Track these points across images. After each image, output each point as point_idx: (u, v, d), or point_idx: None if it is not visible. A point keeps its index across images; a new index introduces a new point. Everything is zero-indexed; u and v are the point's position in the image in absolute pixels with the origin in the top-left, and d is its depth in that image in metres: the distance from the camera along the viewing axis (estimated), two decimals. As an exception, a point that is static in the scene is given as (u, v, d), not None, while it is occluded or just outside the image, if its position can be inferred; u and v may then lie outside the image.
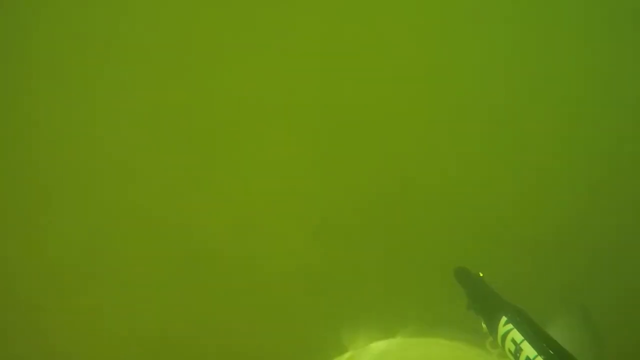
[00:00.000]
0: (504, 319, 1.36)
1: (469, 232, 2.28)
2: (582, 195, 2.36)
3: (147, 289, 2.22)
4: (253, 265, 2.23)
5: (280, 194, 2.26)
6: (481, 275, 1.54)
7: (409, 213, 2.31)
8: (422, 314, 1.83)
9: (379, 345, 1.73)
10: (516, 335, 1.31)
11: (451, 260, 1.71)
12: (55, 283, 2.18)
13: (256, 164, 2.26)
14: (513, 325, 1.33)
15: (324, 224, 2.28)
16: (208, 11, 2.16)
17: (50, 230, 2.19)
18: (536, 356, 1.23)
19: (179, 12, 2.15)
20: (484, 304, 1.47)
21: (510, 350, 1.31)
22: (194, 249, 2.21)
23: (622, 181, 2.35)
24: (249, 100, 2.22)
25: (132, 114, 2.17)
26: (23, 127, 2.15)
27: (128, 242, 2.20)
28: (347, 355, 1.73)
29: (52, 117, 2.16)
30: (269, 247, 2.23)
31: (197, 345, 2.22)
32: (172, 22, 2.16)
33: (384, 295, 2.07)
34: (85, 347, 2.19)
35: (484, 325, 1.46)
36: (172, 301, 2.22)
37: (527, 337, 1.28)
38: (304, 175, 2.27)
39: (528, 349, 1.26)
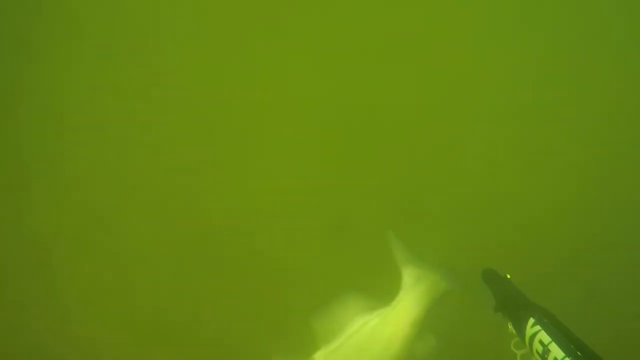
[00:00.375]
0: (531, 320, 1.37)
1: (489, 235, 2.28)
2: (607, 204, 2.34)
3: (152, 265, 2.26)
4: (256, 252, 2.25)
5: (292, 188, 2.29)
6: (508, 277, 1.55)
7: (426, 216, 2.32)
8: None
9: None
10: (544, 336, 1.32)
11: (469, 264, 1.72)
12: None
13: (271, 156, 2.30)
14: (541, 327, 1.34)
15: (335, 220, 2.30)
16: (233, 7, 2.22)
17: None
18: (564, 357, 1.25)
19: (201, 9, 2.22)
20: (511, 305, 1.48)
21: (537, 352, 1.32)
22: (201, 230, 2.26)
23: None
24: (269, 91, 2.27)
25: (159, 102, 2.25)
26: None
27: (140, 216, 2.26)
28: None
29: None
30: (275, 236, 2.25)
31: (191, 327, 2.24)
32: (198, 17, 2.23)
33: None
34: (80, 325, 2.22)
35: (510, 326, 1.47)
36: (172, 279, 2.26)
37: (555, 338, 1.29)
38: (318, 171, 2.29)
39: (556, 350, 1.27)
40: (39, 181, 2.25)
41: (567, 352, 1.25)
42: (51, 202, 2.25)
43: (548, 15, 2.33)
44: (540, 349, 1.32)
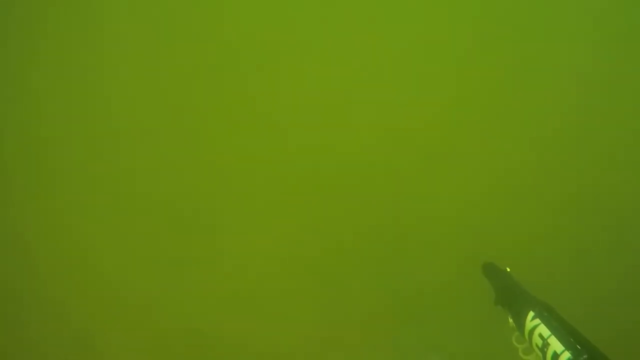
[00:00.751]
0: (531, 313, 1.37)
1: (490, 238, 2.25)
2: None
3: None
4: (248, 345, 2.22)
5: (275, 269, 2.24)
6: (508, 270, 1.55)
7: (409, 272, 2.28)
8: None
9: None
10: (543, 330, 1.31)
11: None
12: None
13: (248, 237, 2.24)
14: (540, 320, 1.34)
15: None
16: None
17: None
18: (563, 351, 1.24)
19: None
20: (511, 298, 1.48)
21: (537, 345, 1.32)
22: (188, 332, 2.22)
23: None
24: (239, 171, 2.21)
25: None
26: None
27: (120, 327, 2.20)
28: None
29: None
30: (265, 326, 2.22)
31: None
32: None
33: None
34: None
35: (510, 320, 1.47)
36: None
37: (555, 332, 1.29)
38: (299, 245, 2.24)
39: (555, 344, 1.27)
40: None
41: (567, 346, 1.24)
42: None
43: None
44: (539, 342, 1.31)
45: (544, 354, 1.29)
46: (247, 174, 2.21)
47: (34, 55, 2.08)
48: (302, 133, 2.19)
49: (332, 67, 2.17)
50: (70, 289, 2.18)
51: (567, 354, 1.23)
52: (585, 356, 1.21)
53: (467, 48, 2.20)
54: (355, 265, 2.26)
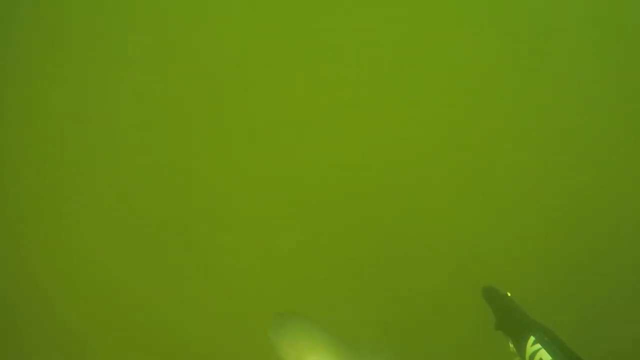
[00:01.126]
0: (532, 338, 1.37)
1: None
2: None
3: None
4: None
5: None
6: (509, 294, 1.55)
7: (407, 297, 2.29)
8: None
9: None
10: (544, 355, 1.31)
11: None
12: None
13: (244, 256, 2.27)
14: (541, 345, 1.33)
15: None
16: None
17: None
18: (564, 376, 1.24)
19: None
20: (512, 323, 1.48)
21: (538, 370, 1.32)
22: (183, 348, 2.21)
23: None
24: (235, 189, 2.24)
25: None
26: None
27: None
28: None
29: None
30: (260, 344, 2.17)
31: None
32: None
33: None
34: None
35: (511, 345, 1.46)
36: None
37: (556, 357, 1.29)
38: (297, 263, 2.27)
39: (556, 369, 1.27)
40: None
41: (567, 371, 1.25)
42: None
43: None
44: (540, 367, 1.31)
45: (545, 378, 1.29)
46: (245, 192, 2.24)
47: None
48: (298, 152, 2.24)
49: (333, 79, 2.22)
50: (66, 303, 2.21)
51: (568, 379, 1.23)
52: (586, 381, 1.21)
53: (466, 55, 2.25)
54: (353, 286, 2.26)
